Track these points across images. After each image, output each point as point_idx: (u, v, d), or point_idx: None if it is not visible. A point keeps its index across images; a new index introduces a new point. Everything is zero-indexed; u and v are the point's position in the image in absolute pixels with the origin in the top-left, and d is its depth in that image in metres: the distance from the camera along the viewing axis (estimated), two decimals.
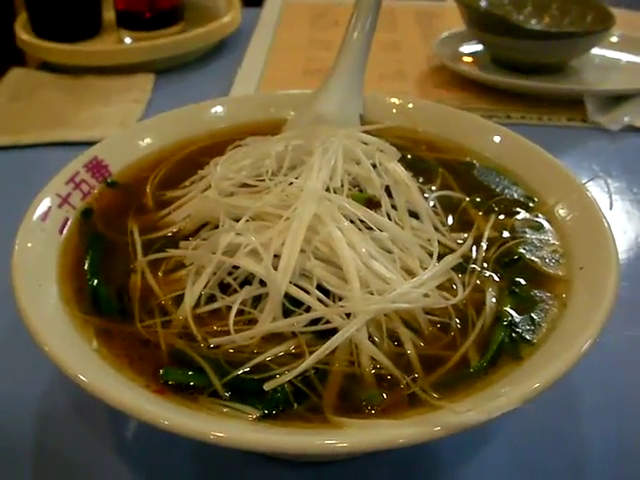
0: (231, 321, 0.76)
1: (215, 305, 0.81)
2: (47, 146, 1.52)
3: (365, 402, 0.71)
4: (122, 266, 0.89)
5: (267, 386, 0.71)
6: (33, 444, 0.88)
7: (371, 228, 0.84)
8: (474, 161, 1.12)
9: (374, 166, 0.93)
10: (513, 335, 0.79)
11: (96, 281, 0.86)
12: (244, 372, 0.74)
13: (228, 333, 0.76)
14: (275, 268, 0.78)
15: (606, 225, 0.87)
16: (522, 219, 0.99)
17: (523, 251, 0.93)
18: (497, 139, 1.12)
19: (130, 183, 1.06)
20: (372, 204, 0.88)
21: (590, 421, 0.90)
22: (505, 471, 0.85)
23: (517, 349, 0.77)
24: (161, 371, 0.74)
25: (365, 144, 0.96)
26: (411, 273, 0.82)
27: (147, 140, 1.12)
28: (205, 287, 0.82)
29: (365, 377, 0.74)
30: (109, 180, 1.05)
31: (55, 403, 0.93)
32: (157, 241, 0.93)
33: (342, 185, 0.89)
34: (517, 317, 0.82)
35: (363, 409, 0.71)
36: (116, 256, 0.91)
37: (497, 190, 1.05)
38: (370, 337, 0.76)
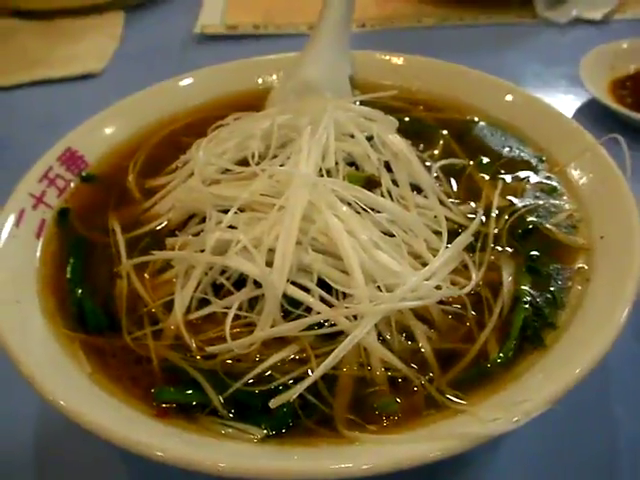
0: (227, 328, 0.70)
1: (208, 310, 0.74)
2: (30, 86, 1.59)
3: (379, 411, 0.65)
4: (106, 271, 0.82)
5: (273, 404, 0.65)
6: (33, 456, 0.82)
7: (372, 210, 0.77)
8: (475, 118, 1.04)
9: (370, 139, 0.85)
10: (534, 319, 0.73)
11: (80, 291, 0.79)
12: (245, 384, 0.67)
13: (225, 339, 0.70)
14: (271, 264, 0.71)
15: (626, 188, 0.80)
16: (533, 182, 0.91)
17: (537, 219, 0.86)
18: (500, 95, 1.04)
19: (108, 174, 0.98)
20: (371, 183, 0.81)
21: (623, 402, 0.83)
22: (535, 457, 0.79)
23: (540, 335, 0.71)
24: (153, 390, 0.68)
25: (358, 115, 0.88)
26: (418, 257, 0.76)
27: (122, 123, 1.04)
28: (196, 290, 0.75)
29: (377, 381, 0.68)
30: (85, 173, 0.97)
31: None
32: (141, 238, 0.86)
33: (337, 164, 0.81)
34: (537, 297, 0.75)
35: (378, 419, 0.65)
36: (99, 260, 0.84)
37: (503, 151, 0.98)
38: (379, 335, 0.70)
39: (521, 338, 0.71)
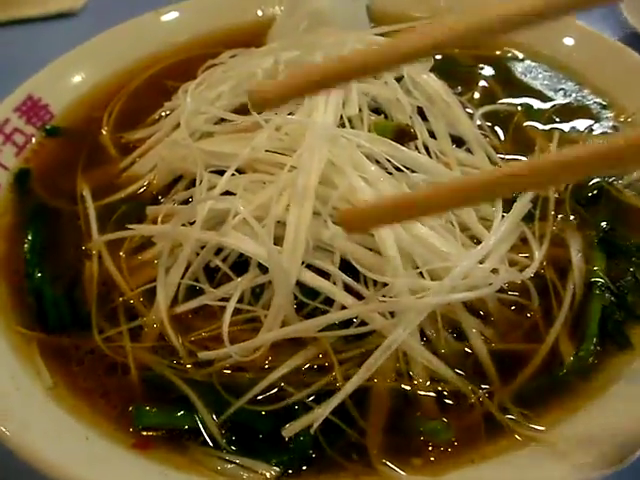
0: (226, 326, 0.54)
1: (200, 301, 0.58)
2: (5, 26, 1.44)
3: (425, 437, 0.50)
4: (72, 249, 0.66)
5: (287, 433, 0.49)
6: None
7: (406, 169, 0.60)
8: (520, 55, 0.87)
9: (399, 80, 0.68)
10: (615, 309, 0.57)
11: (39, 275, 0.64)
12: (250, 402, 0.52)
13: (222, 341, 0.54)
14: (280, 241, 0.55)
15: None
16: (596, 133, 0.75)
17: (605, 179, 0.69)
18: (549, 28, 0.85)
19: (77, 127, 0.82)
20: (403, 135, 0.64)
21: None
22: None
23: (624, 331, 0.56)
24: (131, 409, 0.53)
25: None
26: (466, 229, 0.60)
27: (93, 67, 0.87)
28: (184, 275, 0.59)
29: (420, 397, 0.52)
30: (49, 126, 0.80)
31: None
32: (117, 207, 0.70)
33: (360, 111, 0.64)
34: (615, 280, 0.60)
35: (423, 448, 0.50)
36: (64, 235, 0.68)
37: (556, 95, 0.81)
38: (422, 333, 0.54)
39: (601, 337, 0.55)
